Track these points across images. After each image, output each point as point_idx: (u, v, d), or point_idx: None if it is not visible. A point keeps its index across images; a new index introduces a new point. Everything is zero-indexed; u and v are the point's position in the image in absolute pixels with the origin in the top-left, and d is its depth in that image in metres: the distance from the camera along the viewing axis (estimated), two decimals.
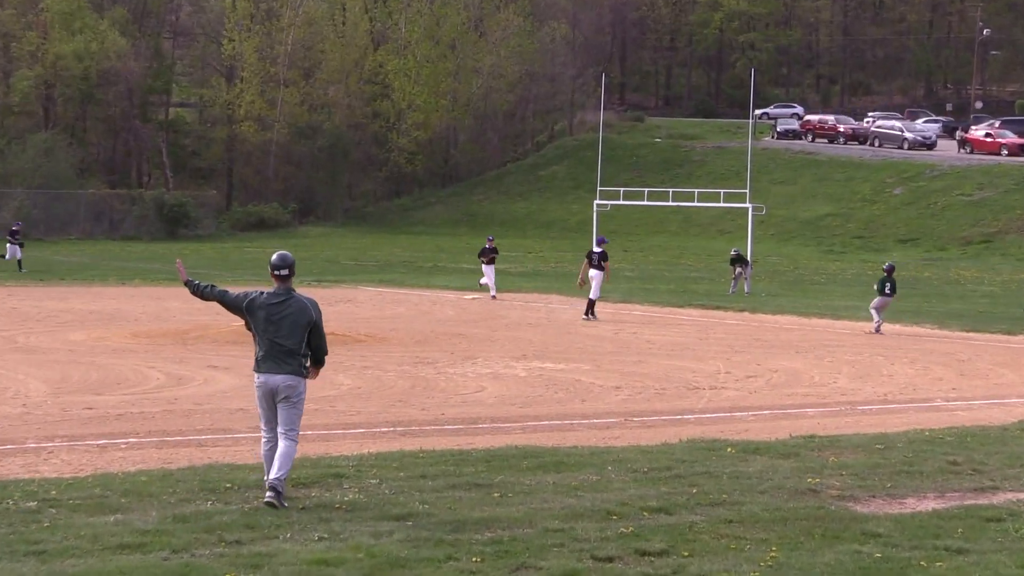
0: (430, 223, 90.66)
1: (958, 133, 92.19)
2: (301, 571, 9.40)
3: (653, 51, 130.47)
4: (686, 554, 10.11)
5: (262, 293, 11.89)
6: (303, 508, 11.24)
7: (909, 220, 77.43)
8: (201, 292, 12.20)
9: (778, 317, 36.86)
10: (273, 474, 11.51)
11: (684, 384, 21.85)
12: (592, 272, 34.96)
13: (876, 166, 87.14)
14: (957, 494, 12.74)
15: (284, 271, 11.86)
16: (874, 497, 12.43)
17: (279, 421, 11.80)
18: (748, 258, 48.58)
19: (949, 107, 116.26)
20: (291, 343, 11.70)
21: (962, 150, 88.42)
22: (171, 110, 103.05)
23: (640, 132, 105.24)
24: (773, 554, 10.15)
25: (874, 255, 66.57)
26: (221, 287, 12.31)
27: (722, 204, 67.96)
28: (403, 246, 75.27)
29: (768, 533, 10.81)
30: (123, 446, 14.85)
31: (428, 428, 16.67)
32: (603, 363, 24.63)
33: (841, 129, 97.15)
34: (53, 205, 77.61)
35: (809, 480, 12.94)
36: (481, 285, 42.19)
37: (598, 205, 62.59)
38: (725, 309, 39.04)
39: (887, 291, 32.86)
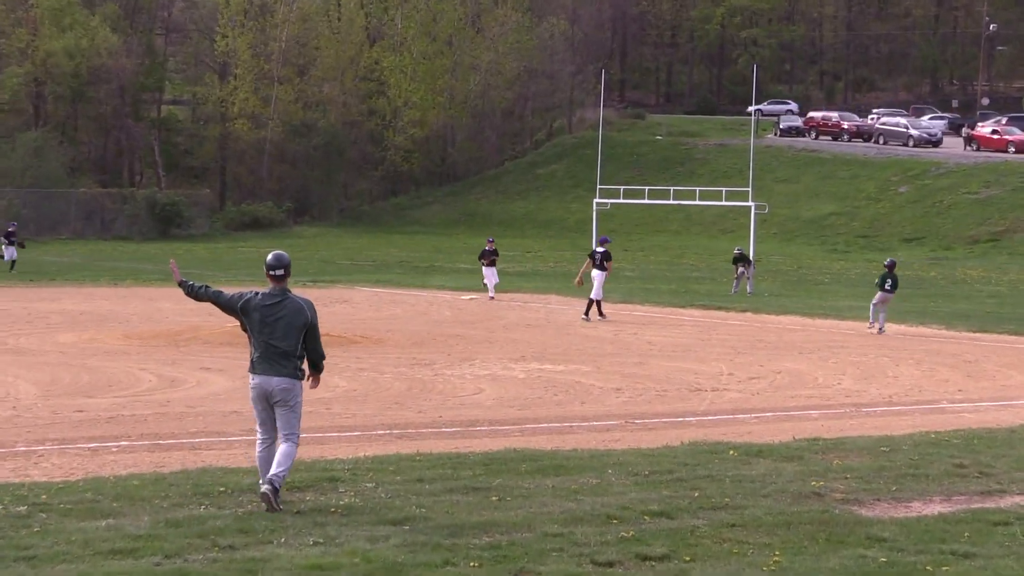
0: (427, 223, 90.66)
1: (964, 130, 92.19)
2: None
3: (654, 47, 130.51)
4: (688, 559, 10.10)
5: (257, 294, 11.88)
6: (298, 512, 11.24)
7: (914, 219, 77.45)
8: (195, 293, 12.20)
9: (781, 318, 36.86)
10: (272, 470, 11.53)
11: (686, 386, 21.85)
12: (594, 272, 34.98)
13: (881, 164, 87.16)
14: (964, 497, 12.74)
15: (279, 271, 11.85)
16: (879, 500, 12.42)
17: (278, 426, 11.82)
18: (751, 257, 48.60)
19: (955, 103, 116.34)
20: (286, 345, 11.70)
21: (968, 147, 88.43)
22: (163, 108, 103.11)
23: (640, 130, 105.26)
24: (776, 559, 10.14)
25: (879, 254, 66.52)
26: (215, 288, 12.32)
27: (724, 203, 68.01)
28: (399, 246, 75.28)
29: (771, 537, 10.80)
30: (115, 449, 14.84)
31: (425, 431, 16.66)
32: (603, 364, 24.62)
33: (845, 126, 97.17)
34: (43, 205, 77.61)
35: (813, 483, 12.94)
36: (484, 286, 42.18)
37: (598, 204, 62.62)
38: (727, 309, 39.04)
39: (887, 287, 32.90)
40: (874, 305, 33.23)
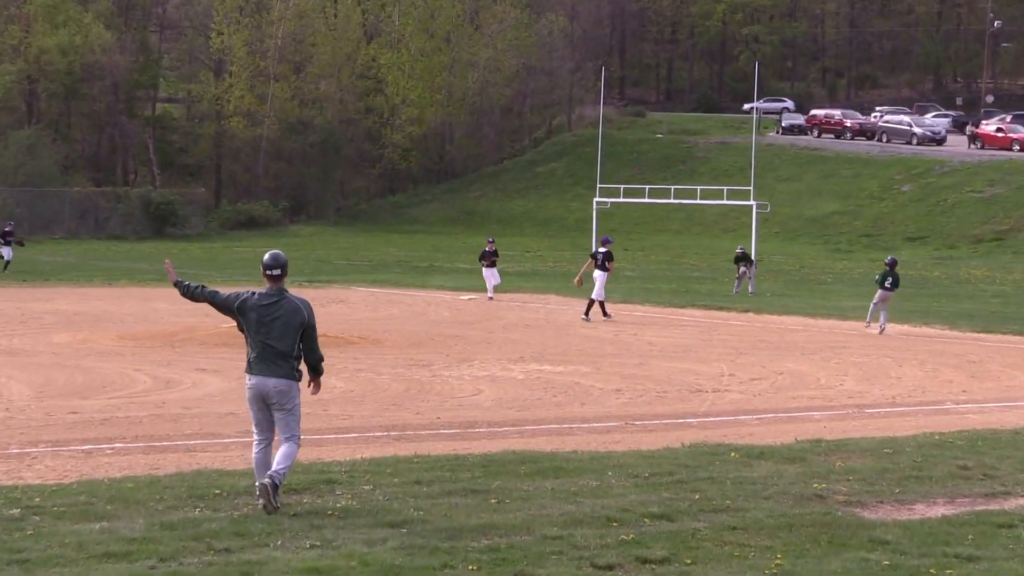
0: (425, 221, 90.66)
1: (968, 128, 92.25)
2: None
3: (654, 44, 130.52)
4: (688, 562, 10.11)
5: (253, 293, 11.89)
6: (294, 515, 11.24)
7: (918, 218, 77.48)
8: (191, 293, 12.21)
9: (783, 318, 36.87)
10: (273, 467, 11.57)
11: (686, 387, 21.85)
12: (596, 273, 35.00)
13: (884, 162, 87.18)
14: (968, 500, 12.75)
15: (276, 271, 11.86)
16: (882, 503, 12.43)
17: (278, 429, 11.84)
18: (752, 257, 48.59)
19: (959, 101, 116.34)
20: (283, 345, 11.72)
21: (972, 145, 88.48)
22: (158, 105, 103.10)
23: (641, 127, 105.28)
24: (778, 562, 10.15)
25: (882, 254, 66.42)
26: (211, 288, 12.32)
27: (725, 202, 68.02)
28: (397, 245, 75.28)
29: (773, 540, 10.81)
30: (109, 451, 14.84)
31: (423, 432, 16.66)
32: (603, 365, 24.63)
33: (848, 124, 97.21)
34: (37, 203, 77.56)
35: (815, 485, 12.94)
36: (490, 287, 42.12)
37: (598, 203, 62.59)
38: (729, 310, 39.05)
39: (887, 285, 32.93)
40: (874, 304, 33.27)
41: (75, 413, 17.55)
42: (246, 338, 11.91)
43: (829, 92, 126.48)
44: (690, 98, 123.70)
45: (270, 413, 11.84)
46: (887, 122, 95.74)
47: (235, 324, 12.19)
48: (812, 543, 10.75)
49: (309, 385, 12.19)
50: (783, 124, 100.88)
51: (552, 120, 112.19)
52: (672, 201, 70.88)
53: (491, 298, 41.22)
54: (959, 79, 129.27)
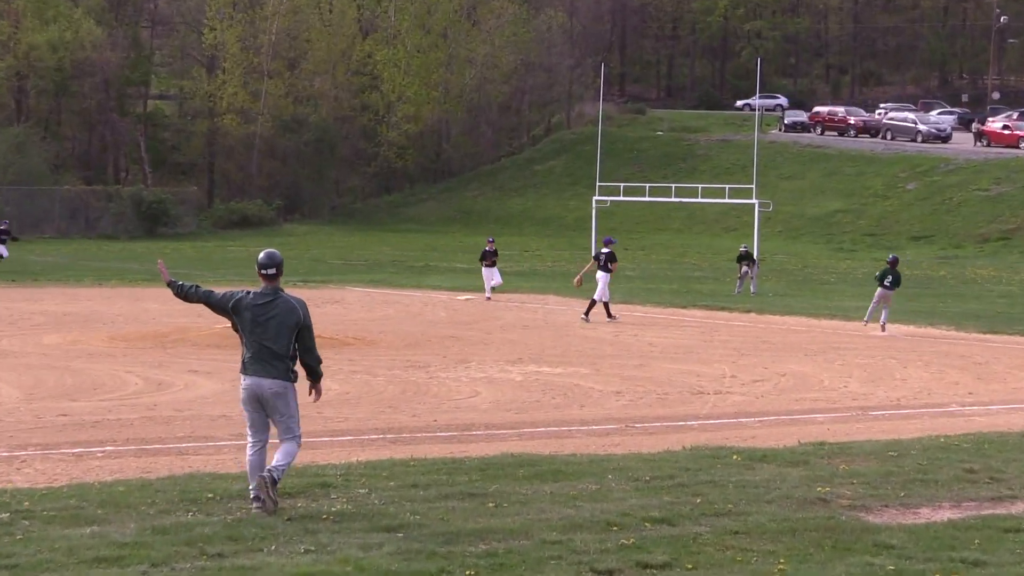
0: (421, 220, 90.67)
1: (974, 125, 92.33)
2: None
3: (655, 40, 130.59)
4: (690, 567, 10.11)
5: (248, 293, 11.91)
6: (289, 519, 11.24)
7: (923, 216, 77.51)
8: (185, 293, 12.22)
9: (786, 318, 36.89)
10: (272, 463, 11.63)
11: (688, 388, 21.86)
12: (599, 274, 35.01)
13: (888, 160, 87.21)
14: (974, 503, 12.75)
15: (271, 270, 11.87)
16: (887, 507, 12.43)
17: (278, 431, 11.88)
18: (755, 256, 48.61)
19: (965, 98, 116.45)
20: (278, 345, 11.73)
21: (978, 143, 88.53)
22: (150, 102, 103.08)
23: (641, 125, 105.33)
24: (781, 567, 10.15)
25: (886, 253, 66.40)
26: (206, 287, 12.33)
27: (727, 200, 68.09)
28: (393, 245, 75.28)
29: (776, 545, 10.81)
30: (100, 455, 14.84)
31: (419, 435, 16.67)
32: (603, 367, 24.63)
33: (852, 121, 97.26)
34: (26, 202, 77.52)
35: (819, 489, 12.94)
36: (494, 289, 42.00)
37: (597, 201, 62.65)
38: (730, 310, 39.06)
39: (887, 283, 32.96)
40: (874, 304, 33.33)
41: (65, 415, 17.54)
42: (241, 338, 11.93)
43: (833, 89, 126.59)
44: (691, 95, 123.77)
45: (265, 414, 11.87)
46: (891, 119, 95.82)
47: (229, 324, 12.20)
48: (815, 548, 10.74)
49: (310, 394, 12.20)
50: (786, 121, 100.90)
51: (551, 117, 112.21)
52: (673, 200, 70.88)
53: (489, 298, 41.22)
54: (965, 75, 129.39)
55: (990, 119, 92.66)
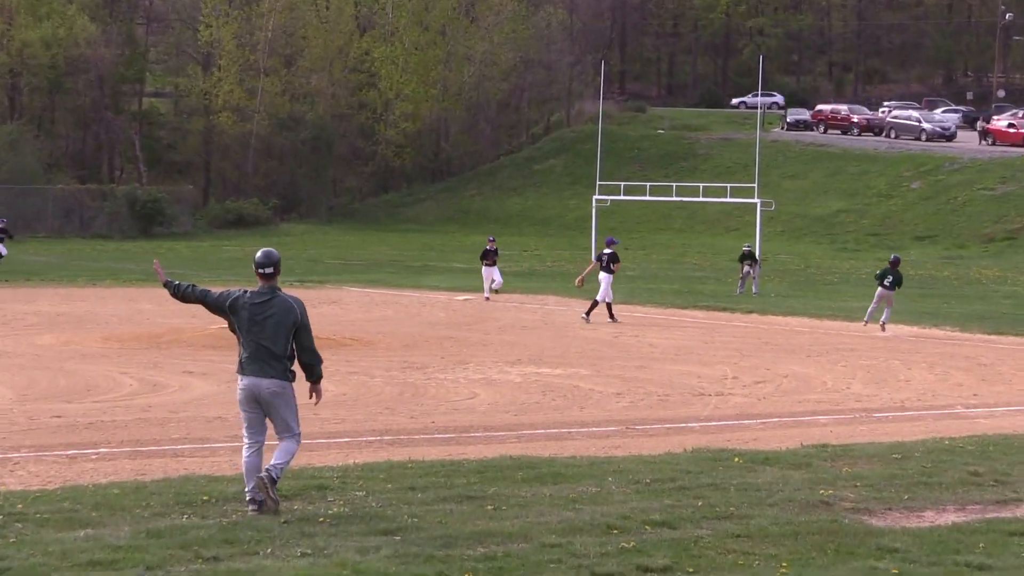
0: (419, 220, 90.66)
1: (979, 123, 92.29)
2: None
3: (655, 37, 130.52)
4: (691, 570, 10.11)
5: (245, 292, 11.93)
6: (285, 522, 11.24)
7: (927, 216, 77.51)
8: (182, 293, 12.23)
9: (788, 319, 36.89)
10: (271, 462, 11.67)
11: (689, 390, 21.86)
12: (601, 275, 35.00)
13: (892, 159, 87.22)
14: (978, 507, 12.75)
15: (269, 269, 11.89)
16: (890, 510, 12.44)
17: (276, 429, 11.91)
18: (757, 256, 48.59)
19: (969, 96, 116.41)
20: (276, 345, 11.76)
21: (984, 142, 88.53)
22: (144, 100, 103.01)
23: (642, 123, 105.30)
24: (783, 570, 10.16)
25: (890, 253, 66.50)
26: (202, 287, 12.35)
27: (729, 200, 68.07)
28: (391, 244, 75.27)
29: (778, 548, 10.81)
30: (94, 457, 14.84)
31: (417, 437, 16.67)
32: (603, 368, 24.64)
33: (855, 120, 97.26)
34: (19, 201, 77.44)
35: (821, 492, 12.95)
36: (495, 290, 41.96)
37: (597, 201, 62.65)
38: (732, 311, 39.07)
39: (887, 283, 32.97)
40: (875, 304, 33.36)
41: (59, 417, 17.55)
42: (238, 338, 11.94)
43: (836, 87, 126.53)
44: (692, 93, 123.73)
45: (263, 414, 11.89)
46: (895, 118, 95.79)
47: (226, 325, 12.21)
48: (818, 551, 10.75)
49: (310, 396, 12.21)
50: (788, 120, 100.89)
51: (550, 116, 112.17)
52: (674, 199, 70.88)
53: (488, 298, 41.22)
54: (970, 73, 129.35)
55: (995, 117, 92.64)
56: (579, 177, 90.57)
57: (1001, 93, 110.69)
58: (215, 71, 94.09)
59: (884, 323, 32.91)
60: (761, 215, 58.01)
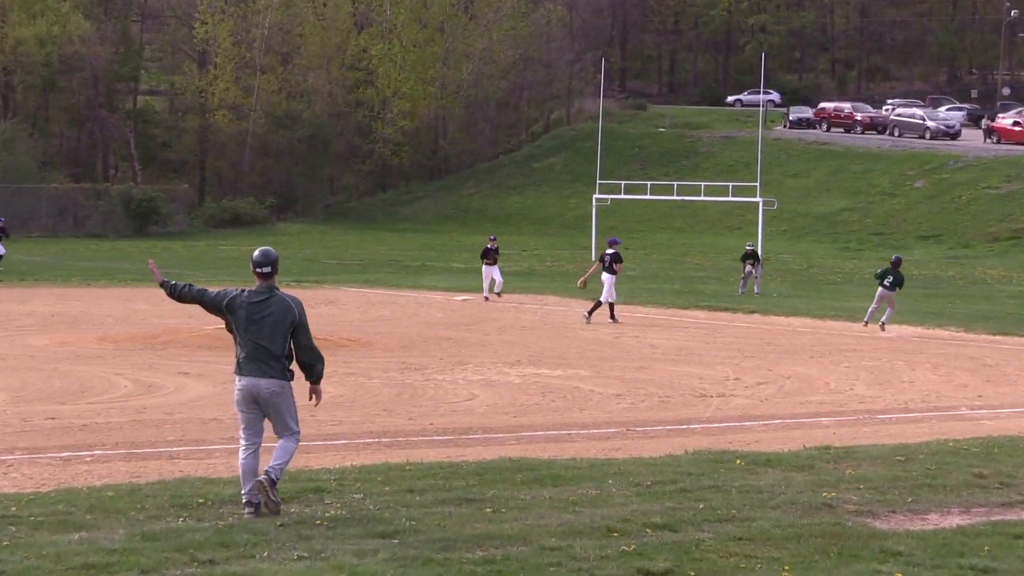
0: (417, 219, 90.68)
1: (984, 121, 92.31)
2: None
3: (656, 34, 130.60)
4: (692, 574, 10.11)
5: (243, 291, 11.94)
6: (281, 525, 11.24)
7: (931, 215, 77.52)
8: (178, 293, 12.23)
9: (791, 319, 36.89)
10: (271, 463, 11.69)
11: (690, 391, 21.86)
12: (604, 275, 35.00)
13: (896, 157, 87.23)
14: (983, 509, 12.75)
15: (267, 268, 11.89)
16: (894, 512, 12.43)
17: (275, 429, 11.94)
18: (760, 255, 48.58)
19: (974, 93, 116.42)
20: (274, 345, 11.76)
21: (988, 140, 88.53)
22: (139, 98, 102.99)
23: (642, 121, 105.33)
24: (786, 574, 10.16)
25: (893, 253, 66.64)
26: (199, 286, 12.35)
27: (731, 198, 68.11)
28: (388, 244, 75.27)
29: (780, 551, 10.81)
30: (88, 459, 14.84)
31: (415, 439, 16.67)
32: (603, 369, 24.64)
33: (858, 118, 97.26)
34: (13, 200, 77.39)
35: (824, 494, 12.95)
36: (496, 294, 41.83)
37: (597, 200, 62.72)
38: (734, 311, 39.06)
39: (887, 283, 32.96)
40: (875, 305, 33.36)
41: (53, 419, 17.54)
42: (235, 338, 11.94)
43: (839, 84, 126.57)
44: (694, 91, 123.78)
45: (261, 415, 11.90)
46: (899, 115, 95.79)
47: (223, 324, 12.21)
48: (821, 554, 10.74)
49: (310, 398, 12.21)
50: (791, 118, 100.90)
51: (550, 114, 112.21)
52: (675, 198, 70.95)
53: (487, 298, 41.21)
54: (974, 71, 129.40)
55: (1000, 115, 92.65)
56: (579, 176, 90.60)
57: (1006, 90, 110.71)
58: (211, 69, 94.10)
59: (884, 323, 32.92)
60: (763, 214, 58.06)
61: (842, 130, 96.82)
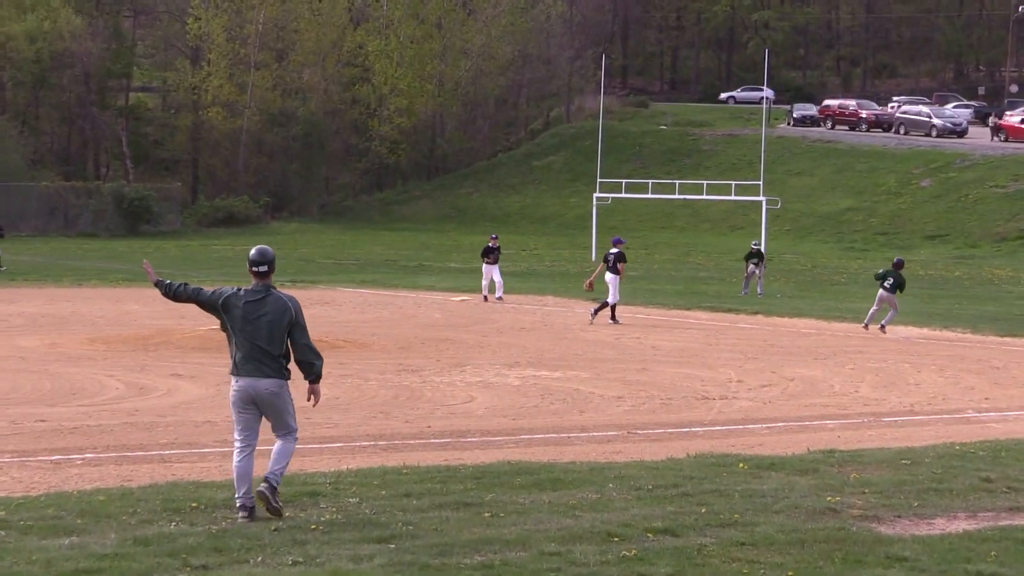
0: (415, 219, 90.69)
1: (991, 119, 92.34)
2: None
3: (658, 30, 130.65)
4: None
5: (239, 290, 11.96)
6: (276, 529, 11.24)
7: (938, 214, 77.54)
8: (174, 292, 12.24)
9: (795, 320, 36.89)
10: (270, 468, 11.72)
11: (692, 394, 21.86)
12: (608, 276, 34.98)
13: (901, 156, 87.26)
14: (990, 514, 12.75)
15: (263, 267, 11.92)
16: (900, 517, 12.43)
17: (274, 428, 11.97)
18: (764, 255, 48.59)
19: (981, 91, 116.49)
20: (271, 344, 11.77)
21: (996, 138, 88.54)
22: (131, 95, 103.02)
23: (644, 119, 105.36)
24: None
25: (899, 253, 66.58)
26: (194, 285, 12.36)
27: (733, 197, 68.13)
28: (385, 244, 75.27)
29: (784, 557, 10.81)
30: (79, 462, 14.83)
31: (412, 442, 16.67)
32: (604, 371, 24.63)
33: (863, 115, 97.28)
34: (2, 199, 77.45)
35: (828, 499, 12.95)
36: (499, 298, 41.71)
37: (598, 199, 62.75)
38: (737, 312, 39.07)
39: (887, 285, 32.95)
40: (876, 307, 33.36)
41: (43, 421, 17.53)
42: (229, 338, 11.94)
43: (843, 81, 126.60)
44: (696, 88, 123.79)
45: (257, 416, 11.91)
46: (905, 113, 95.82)
47: (217, 325, 12.22)
48: (825, 560, 10.75)
49: (309, 399, 12.21)
50: (795, 115, 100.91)
51: (550, 111, 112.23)
52: (677, 197, 70.99)
53: (486, 299, 41.19)
54: (981, 68, 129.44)
55: (1008, 113, 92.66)
56: (579, 174, 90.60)
57: (1014, 88, 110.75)
58: (204, 65, 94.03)
59: (884, 325, 32.90)
60: (767, 213, 58.10)
61: (847, 128, 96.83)
